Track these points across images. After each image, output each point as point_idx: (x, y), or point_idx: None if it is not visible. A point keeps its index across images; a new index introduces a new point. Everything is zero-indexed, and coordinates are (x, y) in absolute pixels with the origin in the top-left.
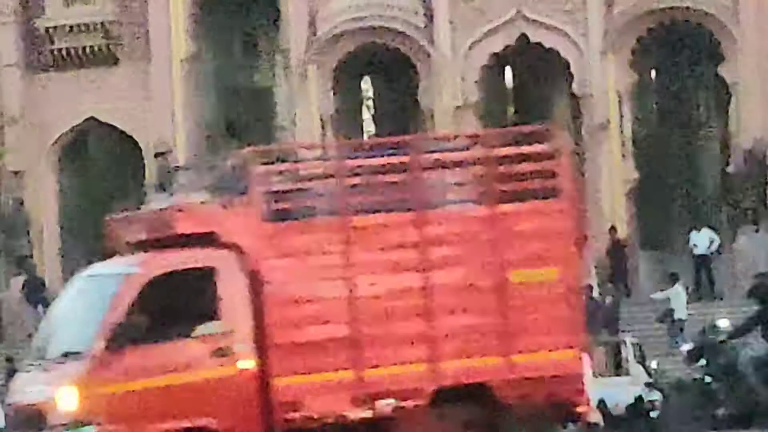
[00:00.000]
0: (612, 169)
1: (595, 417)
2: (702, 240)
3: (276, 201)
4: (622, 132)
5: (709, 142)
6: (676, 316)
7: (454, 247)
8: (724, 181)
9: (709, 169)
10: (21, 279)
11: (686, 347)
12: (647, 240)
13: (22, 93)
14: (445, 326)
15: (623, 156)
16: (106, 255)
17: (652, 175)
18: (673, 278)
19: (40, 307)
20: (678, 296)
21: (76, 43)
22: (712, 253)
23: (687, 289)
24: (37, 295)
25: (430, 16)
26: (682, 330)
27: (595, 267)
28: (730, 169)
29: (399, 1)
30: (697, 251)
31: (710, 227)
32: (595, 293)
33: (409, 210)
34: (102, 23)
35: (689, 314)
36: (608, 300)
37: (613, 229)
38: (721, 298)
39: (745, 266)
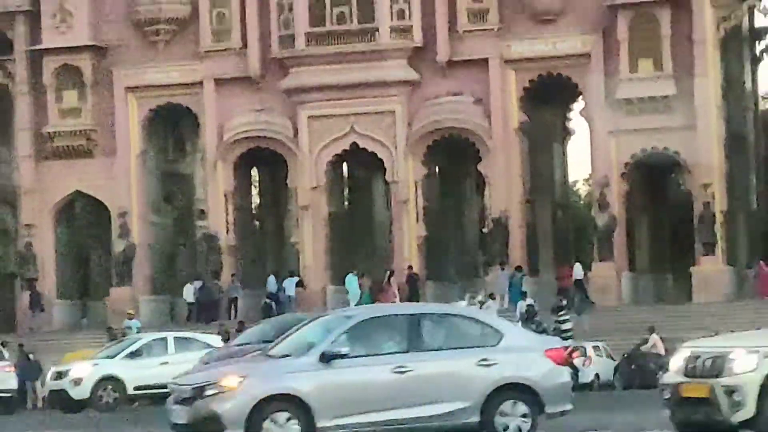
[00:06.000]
0: (410, 228)
1: None
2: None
3: None
4: (416, 205)
5: (472, 212)
6: None
7: None
8: (481, 236)
9: (472, 229)
10: (27, 293)
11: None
12: (431, 274)
13: (33, 174)
14: None
15: (417, 220)
16: None
17: (435, 233)
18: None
19: (36, 311)
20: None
21: (67, 143)
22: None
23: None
24: (38, 304)
25: (295, 130)
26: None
27: (398, 291)
28: (484, 229)
29: (275, 119)
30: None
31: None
32: None
33: None
34: (84, 130)
35: None
36: None
37: (410, 267)
38: None
39: (493, 291)
